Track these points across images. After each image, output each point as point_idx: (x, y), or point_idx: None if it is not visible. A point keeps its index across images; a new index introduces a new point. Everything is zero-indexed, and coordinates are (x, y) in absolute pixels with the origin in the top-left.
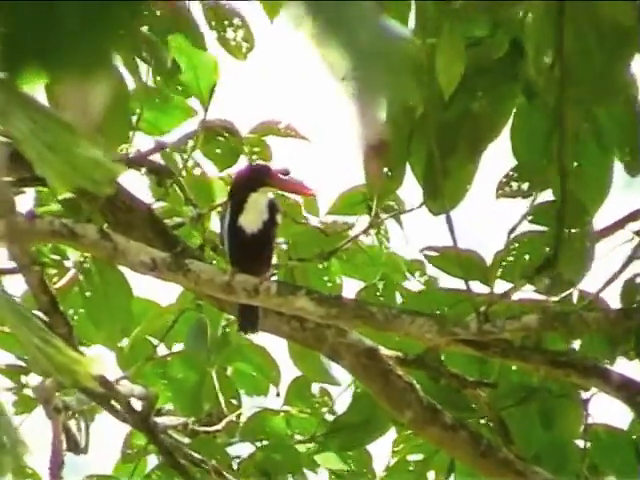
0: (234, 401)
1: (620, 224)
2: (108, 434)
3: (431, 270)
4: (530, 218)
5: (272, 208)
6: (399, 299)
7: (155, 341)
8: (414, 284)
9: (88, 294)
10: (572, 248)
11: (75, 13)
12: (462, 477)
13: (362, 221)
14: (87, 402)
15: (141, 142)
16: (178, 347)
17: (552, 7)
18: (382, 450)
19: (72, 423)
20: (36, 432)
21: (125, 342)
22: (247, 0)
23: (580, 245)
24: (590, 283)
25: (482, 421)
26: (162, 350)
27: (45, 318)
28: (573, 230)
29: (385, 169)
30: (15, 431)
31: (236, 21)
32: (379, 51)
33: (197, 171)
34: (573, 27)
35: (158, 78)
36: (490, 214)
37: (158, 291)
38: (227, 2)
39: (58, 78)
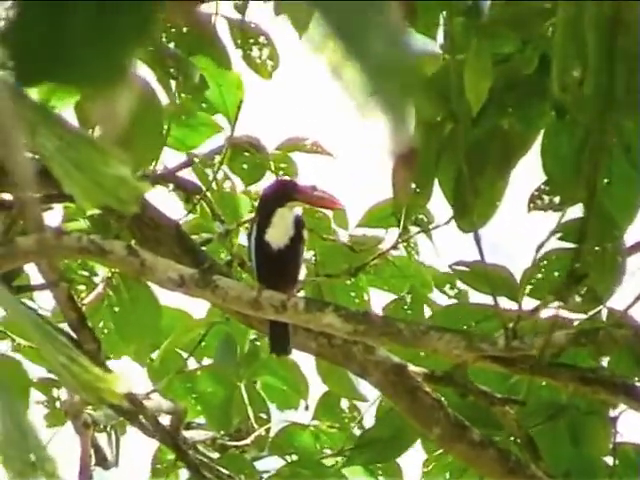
0: (263, 415)
1: None
2: (138, 448)
3: (461, 283)
4: (559, 235)
5: (298, 224)
6: (427, 312)
7: (185, 354)
8: (443, 297)
9: (116, 309)
10: (603, 264)
11: (85, 18)
12: None
13: (391, 234)
14: (115, 417)
15: (168, 158)
16: (208, 361)
17: (575, 22)
18: (413, 465)
19: (102, 437)
20: (66, 445)
21: (155, 354)
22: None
23: (611, 260)
24: (619, 300)
25: (510, 438)
26: (192, 364)
27: (73, 334)
28: (600, 246)
29: (413, 185)
30: (43, 448)
31: (261, 39)
32: (394, 66)
33: (227, 184)
34: (597, 41)
35: (184, 95)
36: (519, 229)
37: (188, 303)
38: (252, 21)
39: (70, 90)
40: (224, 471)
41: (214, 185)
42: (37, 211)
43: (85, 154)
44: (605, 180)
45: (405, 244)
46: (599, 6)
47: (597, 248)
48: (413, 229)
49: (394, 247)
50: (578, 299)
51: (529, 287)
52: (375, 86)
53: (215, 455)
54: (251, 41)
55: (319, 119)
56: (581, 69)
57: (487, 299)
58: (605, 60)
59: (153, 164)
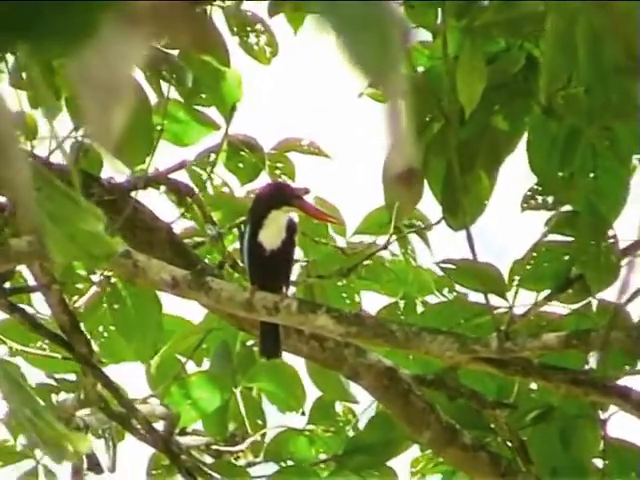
0: (259, 422)
1: None
2: (134, 454)
3: (460, 287)
4: (548, 227)
5: (291, 228)
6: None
7: (183, 360)
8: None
9: (116, 307)
10: (598, 263)
11: None
12: None
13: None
14: (107, 422)
15: (161, 158)
16: (206, 366)
17: (565, 35)
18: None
19: (96, 443)
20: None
21: (154, 360)
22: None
23: (606, 260)
24: (610, 294)
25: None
26: (190, 370)
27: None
28: (594, 243)
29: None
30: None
31: (258, 27)
32: (368, 19)
33: (221, 187)
34: (587, 47)
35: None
36: (508, 224)
37: (185, 310)
38: (249, 9)
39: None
40: (217, 476)
41: (209, 185)
42: (32, 212)
43: (61, 207)
44: (591, 174)
45: (402, 249)
46: (590, 19)
47: (592, 243)
48: (407, 232)
49: (385, 247)
50: (568, 291)
51: (518, 278)
52: (350, 39)
53: (209, 460)
54: (248, 29)
55: (318, 117)
56: (570, 77)
57: (475, 296)
58: (597, 72)
59: (145, 166)
